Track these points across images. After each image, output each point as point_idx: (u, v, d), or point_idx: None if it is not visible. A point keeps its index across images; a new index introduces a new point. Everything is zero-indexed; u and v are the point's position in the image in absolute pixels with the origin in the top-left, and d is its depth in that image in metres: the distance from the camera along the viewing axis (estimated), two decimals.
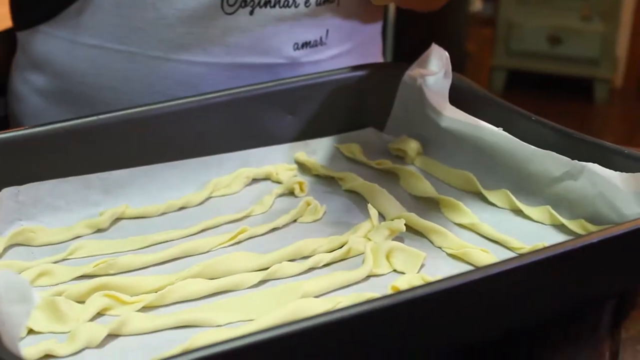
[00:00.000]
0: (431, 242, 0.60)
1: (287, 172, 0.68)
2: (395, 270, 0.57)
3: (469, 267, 0.56)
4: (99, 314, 0.52)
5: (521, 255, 0.51)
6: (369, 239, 0.59)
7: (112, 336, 0.49)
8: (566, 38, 2.87)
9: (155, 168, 0.65)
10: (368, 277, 0.56)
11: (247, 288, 0.55)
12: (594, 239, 0.50)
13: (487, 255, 0.57)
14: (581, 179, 0.60)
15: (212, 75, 0.74)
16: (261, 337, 0.40)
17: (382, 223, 0.60)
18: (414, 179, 0.67)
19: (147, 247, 0.59)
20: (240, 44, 0.74)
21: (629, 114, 2.94)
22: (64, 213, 0.62)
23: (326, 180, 0.68)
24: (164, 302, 0.53)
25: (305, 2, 0.75)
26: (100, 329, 0.49)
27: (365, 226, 0.60)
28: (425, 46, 0.71)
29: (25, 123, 0.80)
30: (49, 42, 0.77)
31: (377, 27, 0.86)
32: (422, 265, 0.57)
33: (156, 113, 0.65)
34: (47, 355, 0.47)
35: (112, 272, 0.56)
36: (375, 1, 0.66)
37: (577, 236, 0.58)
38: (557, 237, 0.59)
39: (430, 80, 0.70)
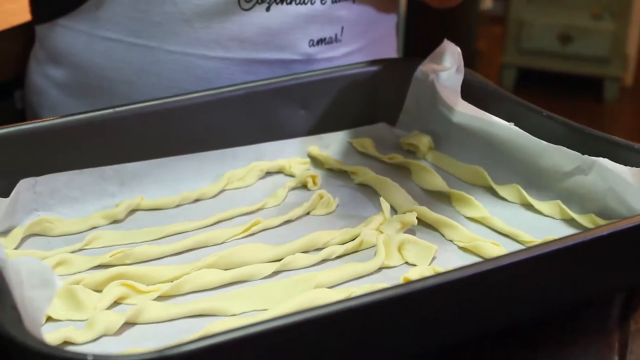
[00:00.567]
0: (442, 235, 0.60)
1: (300, 166, 0.69)
2: (407, 263, 0.57)
3: (479, 260, 0.57)
4: (116, 303, 0.53)
5: (532, 247, 0.51)
6: (381, 232, 0.60)
7: (128, 324, 0.50)
8: (576, 36, 2.87)
9: (171, 160, 0.66)
10: (380, 268, 0.56)
11: (261, 279, 0.56)
12: (605, 231, 0.50)
13: (498, 248, 0.57)
14: (592, 173, 0.60)
15: (228, 70, 0.75)
16: (277, 323, 0.41)
17: (394, 216, 0.61)
18: (425, 173, 0.68)
19: (163, 238, 0.60)
20: (256, 40, 0.75)
21: (639, 112, 2.93)
22: (81, 204, 0.63)
23: (339, 174, 0.69)
24: (179, 292, 0.54)
25: (321, 0, 0.76)
26: (117, 317, 0.50)
27: (377, 219, 0.61)
28: (435, 44, 0.71)
29: (43, 115, 0.81)
30: (68, 35, 0.78)
31: (391, 24, 0.87)
32: (434, 258, 0.57)
33: (172, 106, 0.66)
34: (66, 342, 0.48)
35: (128, 262, 0.57)
36: None
37: (588, 230, 0.59)
38: (567, 232, 0.60)
39: (443, 75, 0.70)
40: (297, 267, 0.57)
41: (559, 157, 0.62)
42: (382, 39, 0.85)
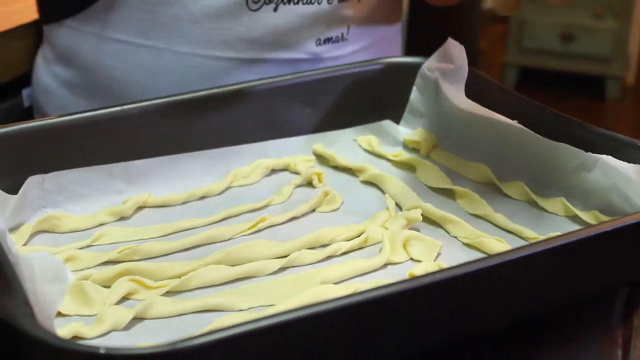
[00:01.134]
0: (447, 231, 0.61)
1: (305, 163, 0.70)
2: (412, 259, 0.58)
3: (484, 256, 0.57)
4: (125, 298, 0.53)
5: (536, 243, 0.52)
6: (386, 228, 0.60)
7: (137, 319, 0.51)
8: (578, 35, 2.87)
9: (177, 158, 0.67)
10: (385, 265, 0.57)
11: (268, 275, 0.56)
12: (608, 228, 0.51)
13: (502, 245, 0.58)
14: (595, 170, 0.60)
15: (237, 70, 0.76)
16: (286, 317, 0.42)
17: (399, 213, 0.62)
18: (430, 170, 0.68)
19: (170, 234, 0.61)
20: (264, 40, 0.75)
21: None
22: (88, 201, 0.63)
23: (344, 172, 0.70)
24: (187, 287, 0.54)
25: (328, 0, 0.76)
26: (126, 312, 0.50)
27: (382, 216, 0.62)
28: (437, 43, 0.72)
29: (51, 114, 0.82)
30: (76, 36, 0.78)
31: (396, 22, 0.87)
32: (439, 254, 0.58)
33: (178, 104, 0.67)
34: (75, 337, 0.49)
35: (136, 258, 0.57)
36: None
37: (591, 226, 0.59)
38: (571, 228, 0.60)
39: (447, 73, 0.71)
40: (303, 264, 0.57)
41: (563, 154, 0.62)
42: (387, 37, 0.85)
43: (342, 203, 0.65)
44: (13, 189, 0.60)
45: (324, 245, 0.59)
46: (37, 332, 0.39)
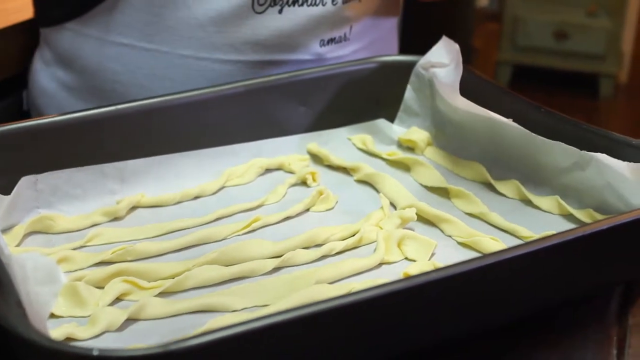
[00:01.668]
0: (441, 230, 0.61)
1: (299, 163, 0.69)
2: (406, 258, 0.58)
3: (479, 255, 0.57)
4: (118, 299, 0.53)
5: (531, 242, 0.52)
6: (381, 228, 0.60)
7: (131, 320, 0.50)
8: (572, 34, 2.87)
9: (171, 158, 0.66)
10: (380, 264, 0.57)
11: (262, 275, 0.56)
12: (603, 226, 0.51)
13: (497, 244, 0.58)
14: (589, 169, 0.60)
15: (241, 73, 0.76)
16: (280, 318, 0.42)
17: (394, 212, 0.61)
18: (424, 169, 0.68)
19: (163, 234, 0.60)
20: (269, 42, 0.75)
21: (634, 109, 2.94)
22: (81, 201, 0.63)
23: (338, 171, 0.69)
24: (181, 288, 0.54)
25: (332, 1, 0.76)
26: (119, 313, 0.50)
27: (377, 215, 0.61)
28: (431, 41, 0.72)
29: None
30: (77, 40, 0.77)
31: (393, 21, 0.87)
32: (433, 254, 0.58)
33: (172, 104, 0.67)
34: (69, 338, 0.48)
35: (129, 258, 0.57)
36: None
37: (586, 225, 0.59)
38: (566, 227, 0.60)
39: (441, 72, 0.71)
40: (297, 263, 0.57)
41: (557, 152, 0.62)
42: (386, 34, 0.86)
43: (337, 202, 0.65)
44: (5, 190, 0.60)
45: (319, 245, 0.59)
46: (29, 334, 0.39)
